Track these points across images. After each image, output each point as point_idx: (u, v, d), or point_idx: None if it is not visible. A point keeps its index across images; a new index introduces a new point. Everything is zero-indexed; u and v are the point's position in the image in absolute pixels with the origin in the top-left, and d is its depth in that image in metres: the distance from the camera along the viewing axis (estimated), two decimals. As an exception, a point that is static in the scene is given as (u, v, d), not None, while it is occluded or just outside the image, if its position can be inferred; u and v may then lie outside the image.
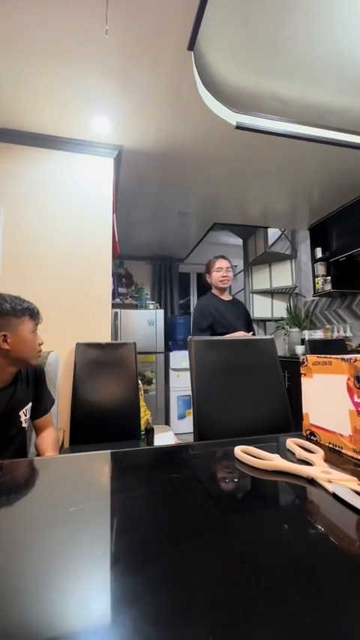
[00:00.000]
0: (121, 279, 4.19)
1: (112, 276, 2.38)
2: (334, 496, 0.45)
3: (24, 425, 1.03)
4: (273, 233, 3.72)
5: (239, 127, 1.80)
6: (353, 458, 0.60)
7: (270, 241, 3.67)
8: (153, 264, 4.44)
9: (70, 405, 1.55)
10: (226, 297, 2.01)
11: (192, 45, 1.33)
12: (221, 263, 1.95)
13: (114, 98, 1.61)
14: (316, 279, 3.13)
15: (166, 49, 1.35)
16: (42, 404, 1.12)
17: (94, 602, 0.28)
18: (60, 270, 1.86)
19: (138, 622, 0.26)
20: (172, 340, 3.80)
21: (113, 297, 3.41)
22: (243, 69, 1.63)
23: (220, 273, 1.94)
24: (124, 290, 4.09)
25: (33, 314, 1.01)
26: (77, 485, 0.55)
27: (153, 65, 1.43)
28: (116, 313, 3.40)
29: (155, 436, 1.82)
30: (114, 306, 2.80)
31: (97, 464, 0.65)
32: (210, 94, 1.68)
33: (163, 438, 1.67)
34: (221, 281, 1.94)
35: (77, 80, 1.49)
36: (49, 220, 1.88)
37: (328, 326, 3.28)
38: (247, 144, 1.95)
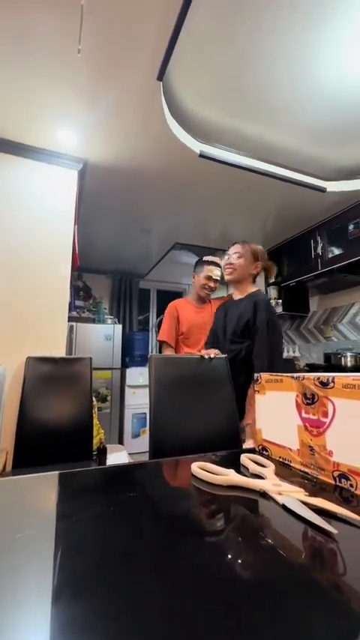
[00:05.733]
0: (79, 291, 4.06)
1: (70, 288, 2.31)
2: (284, 507, 0.47)
3: None
4: (231, 256, 3.91)
5: (202, 156, 1.91)
6: (300, 470, 0.64)
7: (228, 264, 3.85)
8: (113, 278, 4.39)
9: (17, 423, 1.44)
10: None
11: (161, 76, 1.41)
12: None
13: (81, 114, 1.62)
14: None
15: (136, 78, 1.41)
16: None
17: (34, 637, 0.26)
18: (13, 279, 1.76)
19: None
20: (129, 356, 3.74)
21: (70, 310, 3.28)
22: (208, 105, 1.75)
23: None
24: (82, 303, 3.97)
25: None
26: (19, 510, 0.51)
27: (121, 89, 1.47)
28: (72, 327, 3.27)
29: (108, 456, 1.75)
30: (70, 319, 2.70)
31: (44, 486, 0.61)
32: (176, 122, 1.76)
33: (117, 457, 1.60)
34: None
35: (45, 91, 1.48)
36: (5, 227, 1.79)
37: (279, 346, 3.47)
38: (209, 171, 2.07)
